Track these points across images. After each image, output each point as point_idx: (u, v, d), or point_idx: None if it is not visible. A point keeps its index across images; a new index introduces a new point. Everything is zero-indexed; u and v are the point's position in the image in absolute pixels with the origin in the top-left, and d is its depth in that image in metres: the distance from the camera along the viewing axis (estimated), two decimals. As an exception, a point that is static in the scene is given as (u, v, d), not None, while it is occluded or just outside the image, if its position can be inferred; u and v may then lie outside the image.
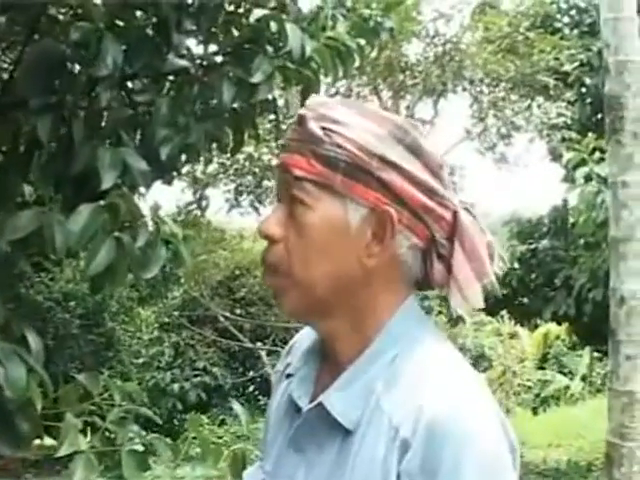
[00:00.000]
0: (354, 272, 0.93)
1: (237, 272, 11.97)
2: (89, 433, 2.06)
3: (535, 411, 15.16)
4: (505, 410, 16.47)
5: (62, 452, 1.87)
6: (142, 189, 2.31)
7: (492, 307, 8.99)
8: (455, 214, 0.97)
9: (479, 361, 19.32)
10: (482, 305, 0.98)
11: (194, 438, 2.07)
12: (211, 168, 9.93)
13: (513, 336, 19.05)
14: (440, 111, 13.07)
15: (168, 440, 2.04)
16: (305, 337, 1.10)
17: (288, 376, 1.06)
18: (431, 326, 0.99)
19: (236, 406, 1.89)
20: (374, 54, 9.29)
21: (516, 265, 8.37)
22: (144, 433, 2.10)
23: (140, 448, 2.00)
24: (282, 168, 0.96)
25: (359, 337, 0.95)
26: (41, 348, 1.93)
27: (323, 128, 0.92)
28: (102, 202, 1.96)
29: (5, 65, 2.65)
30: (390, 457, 0.85)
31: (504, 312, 10.70)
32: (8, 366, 1.65)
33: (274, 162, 11.44)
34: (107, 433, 2.03)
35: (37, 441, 2.12)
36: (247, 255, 12.27)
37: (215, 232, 11.26)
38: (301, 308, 0.96)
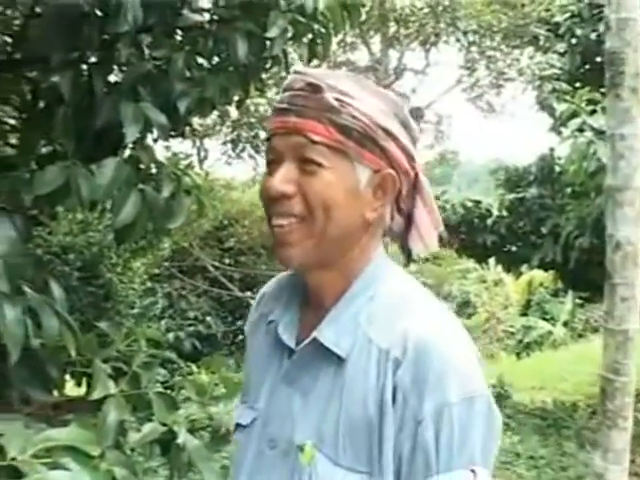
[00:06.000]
0: (358, 224, 1.06)
1: (225, 222, 11.98)
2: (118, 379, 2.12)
3: (519, 356, 15.44)
4: (489, 355, 16.81)
5: (95, 396, 1.93)
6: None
7: (481, 255, 9.15)
8: (417, 175, 1.13)
9: (464, 307, 19.61)
10: (438, 249, 1.17)
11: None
12: (208, 120, 9.91)
13: (498, 283, 19.32)
14: (432, 61, 13.12)
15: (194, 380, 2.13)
16: (274, 289, 1.24)
17: (269, 323, 1.19)
18: (398, 269, 1.13)
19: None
20: (368, 5, 9.28)
21: (504, 213, 8.50)
22: (169, 376, 2.19)
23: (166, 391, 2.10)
24: (294, 132, 1.04)
25: (342, 282, 1.09)
26: (64, 296, 1.98)
27: (337, 99, 1.03)
28: (125, 155, 2.02)
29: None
30: (383, 376, 0.99)
31: (490, 260, 10.84)
32: (42, 316, 1.70)
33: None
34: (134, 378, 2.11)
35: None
36: (235, 205, 12.26)
37: (204, 182, 11.25)
38: (311, 258, 1.06)
